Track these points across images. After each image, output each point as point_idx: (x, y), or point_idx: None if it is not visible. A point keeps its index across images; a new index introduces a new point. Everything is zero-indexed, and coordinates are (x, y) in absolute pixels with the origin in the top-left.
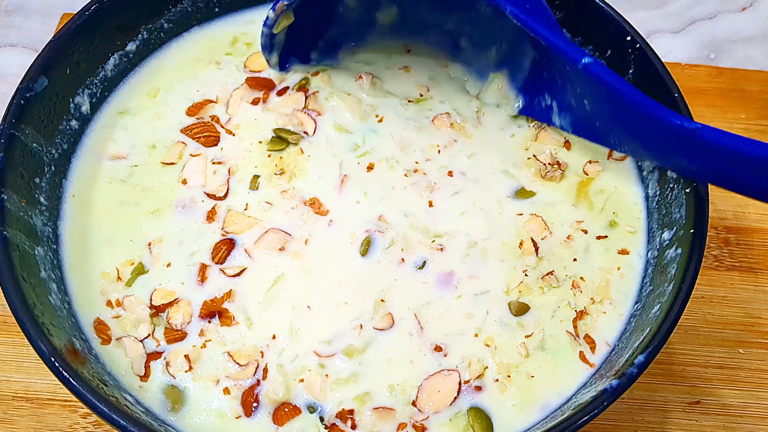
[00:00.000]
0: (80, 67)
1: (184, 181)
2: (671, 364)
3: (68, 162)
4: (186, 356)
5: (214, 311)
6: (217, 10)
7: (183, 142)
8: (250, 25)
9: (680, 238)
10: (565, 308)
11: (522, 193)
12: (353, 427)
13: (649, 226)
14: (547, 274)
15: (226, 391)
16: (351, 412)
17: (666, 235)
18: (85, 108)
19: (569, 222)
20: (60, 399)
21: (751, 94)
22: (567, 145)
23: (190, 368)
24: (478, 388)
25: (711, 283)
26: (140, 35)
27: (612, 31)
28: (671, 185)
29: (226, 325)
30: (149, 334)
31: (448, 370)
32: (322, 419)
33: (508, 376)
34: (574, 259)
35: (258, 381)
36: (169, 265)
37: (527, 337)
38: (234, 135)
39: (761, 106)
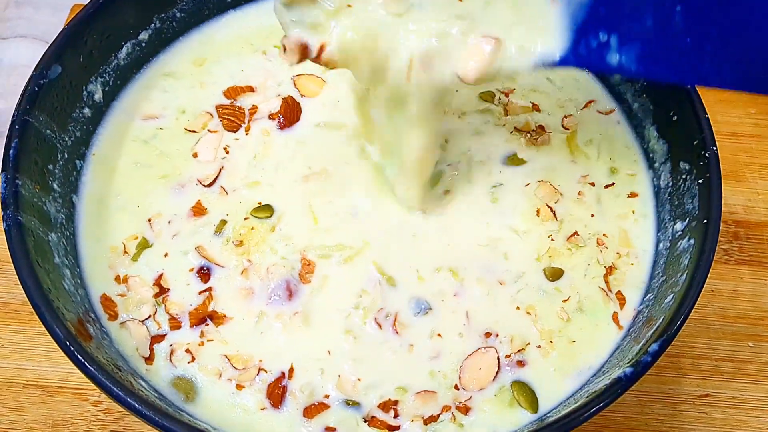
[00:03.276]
0: (93, 55)
1: (195, 155)
2: (681, 357)
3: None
4: (187, 350)
5: (204, 316)
6: None
7: (210, 113)
8: None
9: (693, 229)
10: (595, 266)
11: (514, 161)
12: (396, 416)
13: (658, 209)
14: (572, 236)
15: (239, 387)
16: (395, 402)
17: (678, 226)
18: (98, 96)
19: (575, 179)
20: (71, 387)
21: None
22: (535, 107)
23: (193, 359)
24: (520, 363)
25: (721, 276)
26: (152, 24)
27: None
28: (683, 176)
29: (221, 324)
30: (150, 315)
31: (486, 347)
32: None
33: (551, 342)
34: (592, 215)
35: (283, 374)
36: (166, 255)
37: (565, 301)
38: (248, 134)
39: None
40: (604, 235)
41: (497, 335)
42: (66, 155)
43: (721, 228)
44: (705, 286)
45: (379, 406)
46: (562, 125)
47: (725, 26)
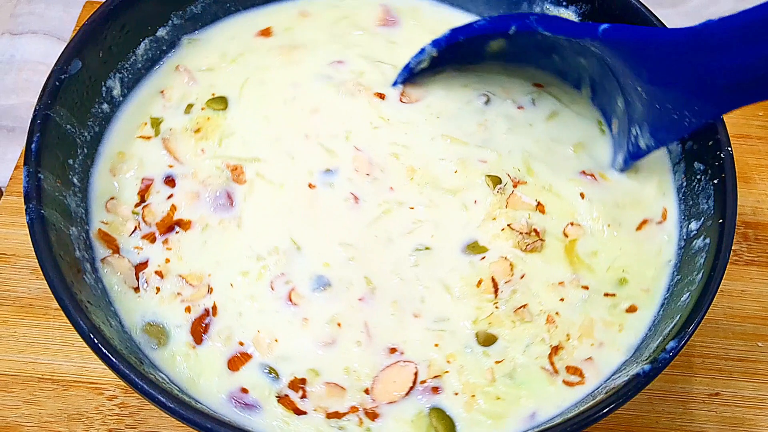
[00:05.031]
0: (112, 51)
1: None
2: (691, 356)
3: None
4: (157, 272)
5: (171, 224)
6: None
7: None
8: None
9: (708, 228)
10: (539, 344)
11: (475, 249)
12: (303, 396)
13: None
14: (520, 308)
15: (187, 309)
16: (303, 381)
17: (693, 225)
18: (117, 92)
19: (556, 278)
20: (86, 381)
21: None
22: (540, 207)
23: (162, 276)
24: (435, 390)
25: (730, 277)
26: (170, 21)
27: (639, 25)
28: (698, 176)
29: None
30: (136, 227)
31: (405, 362)
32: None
33: (473, 396)
34: (561, 299)
35: (207, 311)
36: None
37: (497, 362)
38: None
39: None
40: (556, 313)
41: (402, 353)
42: (85, 150)
43: None
44: None
45: (290, 384)
46: (564, 232)
47: (664, 88)
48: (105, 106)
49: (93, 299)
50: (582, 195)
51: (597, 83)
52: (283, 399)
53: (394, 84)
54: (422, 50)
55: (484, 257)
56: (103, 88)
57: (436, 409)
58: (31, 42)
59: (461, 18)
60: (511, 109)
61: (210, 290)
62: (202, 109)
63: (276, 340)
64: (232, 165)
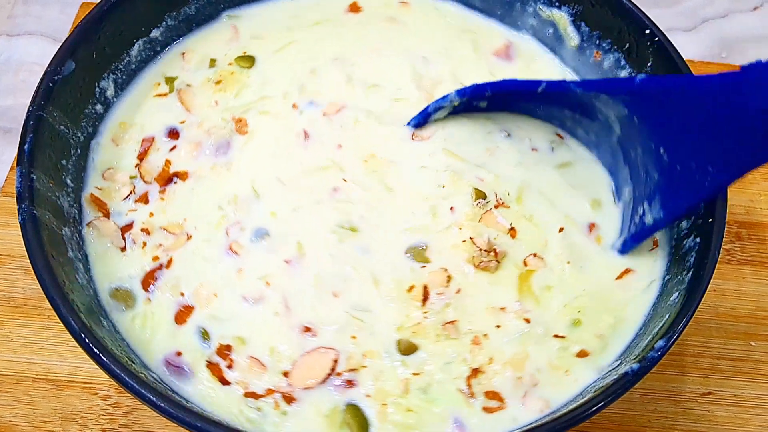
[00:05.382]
0: (106, 52)
1: None
2: (684, 356)
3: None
4: (143, 229)
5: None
6: None
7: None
8: None
9: (698, 227)
10: (459, 363)
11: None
12: (230, 366)
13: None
14: (449, 323)
15: (155, 258)
16: (229, 348)
17: (684, 224)
18: (110, 92)
19: (497, 303)
20: (80, 381)
21: None
22: (512, 232)
23: (149, 233)
24: (350, 383)
25: (723, 276)
26: (164, 22)
27: (631, 25)
28: None
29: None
30: (131, 192)
31: (326, 348)
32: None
33: (383, 404)
34: (497, 326)
35: (161, 266)
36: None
37: (415, 374)
38: None
39: None
40: (485, 335)
41: (316, 334)
42: (79, 151)
43: None
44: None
45: (218, 350)
46: (524, 261)
47: (695, 141)
48: (99, 106)
49: (84, 299)
50: (561, 229)
51: (617, 152)
52: (212, 366)
53: (408, 124)
54: (445, 97)
55: (425, 266)
56: (97, 89)
57: (352, 406)
58: (28, 43)
59: (560, 73)
60: (526, 147)
61: (189, 237)
62: (229, 64)
63: (215, 295)
64: (237, 117)
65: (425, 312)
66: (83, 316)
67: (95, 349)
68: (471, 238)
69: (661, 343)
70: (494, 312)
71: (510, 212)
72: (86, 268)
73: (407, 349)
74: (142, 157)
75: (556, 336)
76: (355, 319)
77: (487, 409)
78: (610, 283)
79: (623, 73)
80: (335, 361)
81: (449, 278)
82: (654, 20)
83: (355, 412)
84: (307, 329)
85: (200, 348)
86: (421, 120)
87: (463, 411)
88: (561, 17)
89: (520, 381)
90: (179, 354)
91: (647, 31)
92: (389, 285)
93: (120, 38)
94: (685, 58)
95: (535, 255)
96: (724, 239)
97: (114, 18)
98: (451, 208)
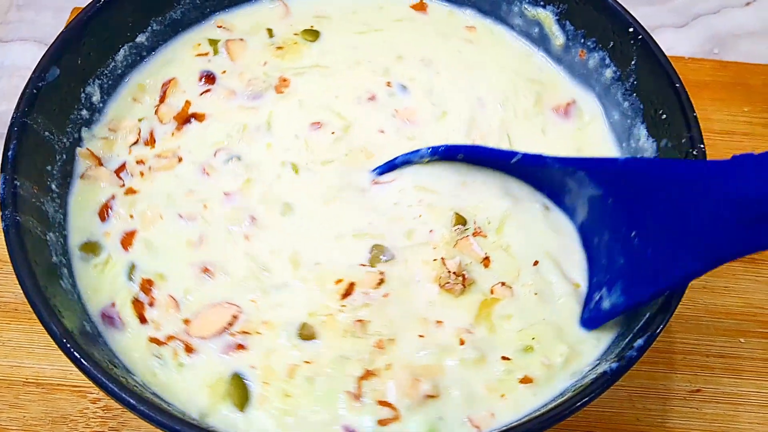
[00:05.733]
0: (91, 58)
1: None
2: (672, 353)
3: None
4: (139, 161)
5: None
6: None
7: None
8: None
9: None
10: (353, 364)
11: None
12: (151, 304)
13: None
14: (358, 321)
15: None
16: (150, 283)
17: None
18: (96, 98)
19: (456, 325)
20: (69, 384)
21: (754, 87)
22: (486, 261)
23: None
24: (241, 347)
25: (712, 273)
26: (149, 27)
27: (614, 24)
28: None
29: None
30: (137, 140)
31: (229, 304)
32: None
33: (266, 383)
34: (421, 336)
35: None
36: None
37: (306, 362)
38: None
39: (765, 99)
40: (390, 340)
41: (214, 274)
42: (64, 156)
43: None
44: (696, 282)
45: (141, 285)
46: (491, 289)
47: (673, 226)
48: (84, 112)
49: (68, 305)
50: (536, 262)
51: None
52: (136, 303)
53: (373, 171)
54: (416, 152)
55: (364, 264)
56: (83, 95)
57: (237, 376)
58: (21, 49)
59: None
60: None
61: (180, 160)
62: (295, 34)
63: (160, 216)
64: (284, 77)
65: (342, 306)
66: (65, 322)
67: (76, 353)
68: (443, 258)
69: (639, 342)
70: (425, 323)
71: (487, 242)
72: (70, 273)
73: (307, 335)
74: (162, 99)
75: (504, 358)
76: (258, 275)
77: (381, 422)
78: (574, 320)
79: (608, 72)
80: (234, 317)
81: (381, 282)
82: (645, 17)
83: (238, 382)
84: (206, 270)
85: (127, 286)
86: (386, 170)
87: (345, 411)
88: (546, 16)
89: (416, 392)
90: (113, 305)
91: (630, 30)
92: (312, 270)
93: (105, 44)
94: (677, 55)
95: (503, 284)
96: None
97: (98, 24)
98: (431, 231)
